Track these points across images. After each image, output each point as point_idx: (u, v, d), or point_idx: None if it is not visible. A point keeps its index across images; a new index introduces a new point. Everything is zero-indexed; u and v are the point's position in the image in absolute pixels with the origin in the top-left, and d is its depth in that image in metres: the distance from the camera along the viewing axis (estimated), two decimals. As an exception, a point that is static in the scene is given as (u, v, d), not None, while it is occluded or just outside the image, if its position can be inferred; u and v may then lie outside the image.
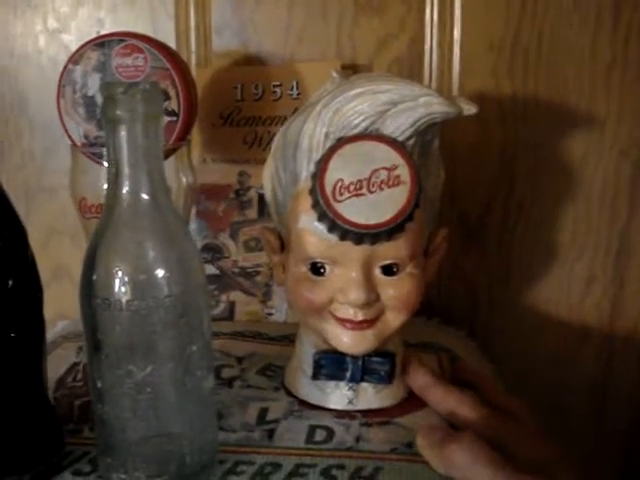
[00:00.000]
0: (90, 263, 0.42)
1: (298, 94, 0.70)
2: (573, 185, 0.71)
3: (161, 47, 0.57)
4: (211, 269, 0.72)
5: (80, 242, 0.62)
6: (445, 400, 0.51)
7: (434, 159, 0.52)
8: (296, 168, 0.50)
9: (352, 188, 0.47)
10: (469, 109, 0.48)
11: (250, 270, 0.71)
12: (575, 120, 0.70)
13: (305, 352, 0.55)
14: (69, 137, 0.58)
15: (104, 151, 0.57)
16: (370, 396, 0.53)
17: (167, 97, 0.57)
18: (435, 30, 0.70)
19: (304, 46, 0.72)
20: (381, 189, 0.47)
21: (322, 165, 0.48)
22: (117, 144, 0.40)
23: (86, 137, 0.58)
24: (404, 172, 0.47)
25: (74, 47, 0.61)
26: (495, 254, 0.74)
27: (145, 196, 0.41)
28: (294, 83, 0.70)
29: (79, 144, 0.58)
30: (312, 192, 0.48)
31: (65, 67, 0.57)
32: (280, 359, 0.61)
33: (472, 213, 0.73)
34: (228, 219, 0.72)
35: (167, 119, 0.57)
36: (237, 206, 0.71)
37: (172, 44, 0.72)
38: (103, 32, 0.71)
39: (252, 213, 0.71)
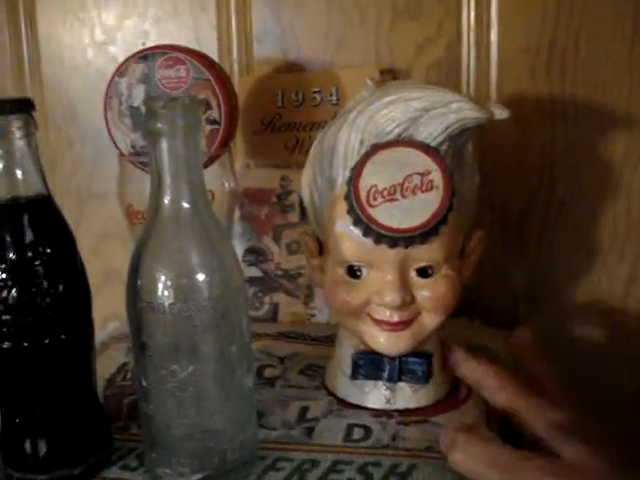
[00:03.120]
0: (135, 269, 0.44)
1: (337, 100, 0.71)
2: (613, 184, 0.71)
3: (202, 58, 0.59)
4: (255, 271, 0.74)
5: (129, 246, 0.64)
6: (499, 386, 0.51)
7: (468, 163, 0.53)
8: (332, 174, 0.52)
9: (386, 193, 0.48)
10: (500, 113, 0.49)
11: (293, 272, 0.73)
12: (614, 120, 0.69)
13: (344, 352, 0.56)
14: (116, 147, 0.61)
15: (150, 160, 0.60)
16: (407, 396, 0.54)
17: (209, 107, 0.59)
18: (472, 33, 0.71)
19: (343, 52, 0.73)
20: (414, 194, 0.48)
21: (356, 171, 0.49)
22: (159, 155, 0.42)
23: (133, 147, 0.60)
24: (437, 177, 0.48)
25: (120, 59, 0.65)
26: (536, 254, 0.74)
27: (186, 204, 0.43)
28: (333, 89, 0.71)
29: (126, 153, 0.61)
30: (347, 197, 0.49)
31: (111, 79, 0.60)
32: (321, 359, 0.62)
33: (513, 214, 0.74)
34: (271, 222, 0.73)
35: (209, 128, 0.60)
36: (279, 210, 0.73)
37: (214, 53, 0.75)
38: (148, 43, 0.75)
39: (294, 216, 0.73)
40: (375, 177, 0.49)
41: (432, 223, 0.48)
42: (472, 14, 0.70)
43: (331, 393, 0.57)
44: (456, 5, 0.71)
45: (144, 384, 0.45)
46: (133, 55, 0.59)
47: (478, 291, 0.74)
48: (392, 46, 0.72)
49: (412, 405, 0.54)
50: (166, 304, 0.43)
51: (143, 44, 0.75)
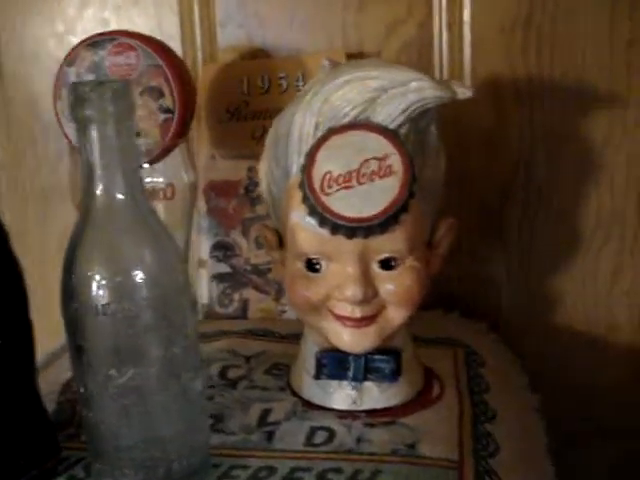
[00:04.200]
0: (68, 266, 0.41)
1: (304, 85, 0.68)
2: (595, 167, 0.67)
3: (153, 44, 0.56)
4: (223, 267, 0.71)
5: None
6: None
7: (432, 146, 0.49)
8: (287, 162, 0.49)
9: (341, 180, 0.45)
10: (464, 92, 0.46)
11: (262, 267, 0.70)
12: (595, 100, 0.66)
13: (308, 351, 0.53)
14: (67, 138, 0.58)
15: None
16: (375, 395, 0.51)
17: (161, 94, 0.56)
18: (444, 13, 0.68)
19: (309, 37, 0.70)
20: (372, 180, 0.45)
21: (310, 157, 0.46)
22: (89, 145, 0.39)
23: (84, 138, 0.57)
24: (396, 161, 0.45)
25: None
26: (516, 243, 0.71)
27: (120, 196, 0.40)
28: (300, 75, 0.68)
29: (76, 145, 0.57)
30: (301, 186, 0.46)
31: (60, 68, 0.57)
32: (288, 358, 0.59)
33: (490, 201, 0.70)
34: (239, 216, 0.70)
35: (163, 117, 0.56)
36: (248, 202, 0.70)
37: (178, 40, 0.72)
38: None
39: (263, 209, 0.70)
40: (330, 163, 0.45)
41: (391, 211, 0.45)
42: (444, -8, 0.67)
43: (296, 394, 0.54)
44: (427, -17, 0.68)
45: (82, 391, 0.42)
46: (81, 42, 0.56)
47: (457, 282, 0.72)
48: (361, 29, 0.69)
49: (380, 405, 0.51)
50: (101, 304, 0.39)
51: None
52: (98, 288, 0.39)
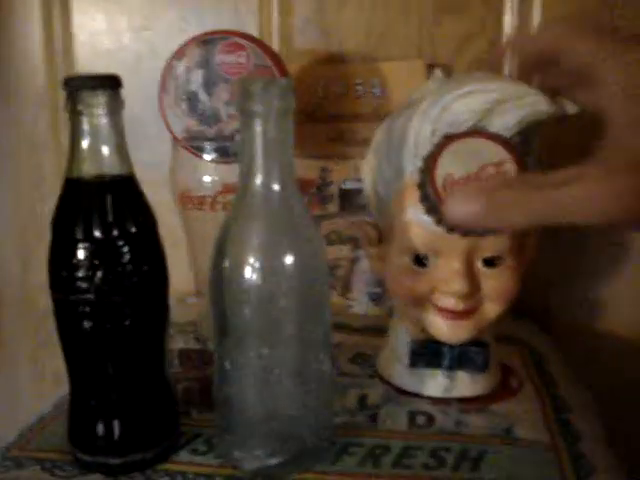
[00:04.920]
0: (220, 250, 0.44)
1: (381, 92, 0.71)
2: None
3: (263, 45, 0.59)
4: (291, 261, 0.74)
5: (176, 233, 0.62)
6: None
7: (534, 155, 0.53)
8: (401, 163, 0.52)
9: (462, 183, 0.49)
10: (572, 108, 0.50)
11: (330, 263, 0.73)
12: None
13: (400, 341, 0.57)
14: (170, 131, 0.60)
15: (205, 145, 0.60)
16: (466, 384, 0.55)
17: (268, 93, 0.59)
18: (515, 31, 0.72)
19: (385, 46, 0.73)
20: (489, 184, 0.49)
21: (432, 160, 0.49)
22: (252, 137, 0.42)
23: (187, 131, 0.60)
24: (511, 168, 0.49)
25: (158, 44, 0.64)
26: (568, 239, 0.75)
27: (276, 187, 0.43)
28: (376, 81, 0.72)
29: (180, 138, 0.60)
30: (421, 186, 0.50)
31: (169, 62, 0.59)
32: (369, 348, 0.63)
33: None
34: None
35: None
36: (319, 200, 0.73)
37: (256, 43, 0.75)
38: (187, 30, 0.74)
39: (333, 207, 0.73)
40: (451, 166, 0.49)
41: (506, 213, 0.48)
42: (515, 11, 0.71)
43: (386, 381, 0.57)
44: (498, 1, 0.71)
45: (227, 367, 0.44)
46: (193, 39, 0.59)
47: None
48: (435, 41, 0.73)
49: (470, 394, 0.55)
50: (254, 287, 0.43)
51: (182, 30, 0.75)
52: (252, 271, 0.43)
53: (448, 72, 0.72)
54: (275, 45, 0.75)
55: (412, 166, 0.51)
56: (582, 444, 0.50)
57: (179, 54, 0.59)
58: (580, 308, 0.76)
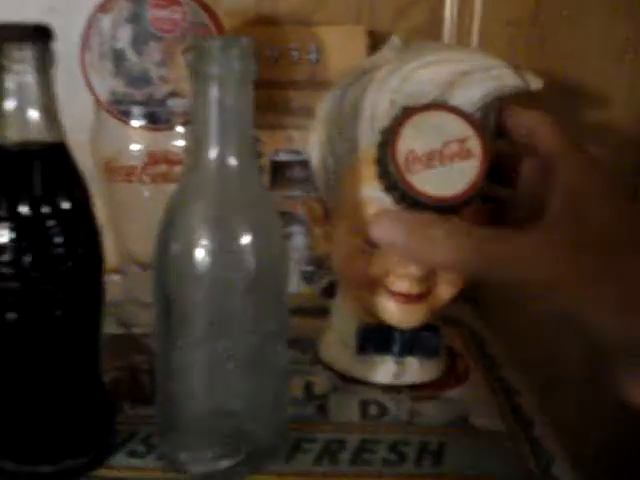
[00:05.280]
0: (167, 230, 0.39)
1: (318, 59, 0.67)
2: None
3: (200, 1, 0.53)
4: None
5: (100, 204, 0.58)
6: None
7: (490, 132, 0.51)
8: (355, 136, 0.48)
9: (425, 159, 0.46)
10: (537, 83, 0.48)
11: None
12: (590, 101, 0.70)
13: (346, 325, 0.53)
14: (93, 93, 0.54)
15: (133, 109, 0.54)
16: (415, 370, 0.53)
17: (205, 55, 0.53)
18: (456, 1, 0.69)
19: (322, 9, 0.69)
20: (452, 161, 0.46)
21: (392, 134, 0.46)
22: (207, 104, 0.37)
23: (113, 93, 0.54)
24: (475, 145, 0.46)
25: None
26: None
27: (233, 162, 0.38)
28: (313, 47, 0.67)
29: (104, 101, 0.54)
30: (379, 162, 0.46)
31: (93, 15, 0.53)
32: (307, 331, 0.59)
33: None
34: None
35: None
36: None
37: None
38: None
39: (264, 181, 0.69)
40: (412, 141, 0.46)
41: (471, 193, 0.46)
42: (457, -19, 0.69)
43: (330, 368, 0.54)
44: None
45: (172, 358, 0.40)
46: (120, -10, 0.53)
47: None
48: (373, 7, 0.69)
49: (419, 380, 0.53)
50: (205, 271, 0.38)
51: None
52: (204, 254, 0.38)
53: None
54: (201, 3, 0.69)
55: (368, 140, 0.48)
56: (536, 430, 0.49)
57: (105, 6, 0.53)
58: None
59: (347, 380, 0.53)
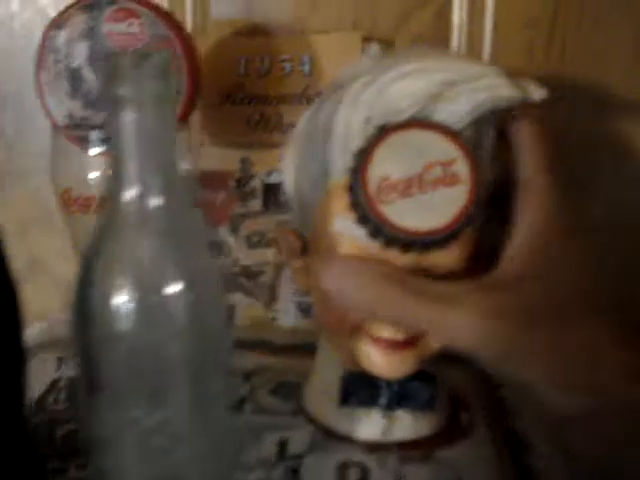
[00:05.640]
0: (84, 284, 0.33)
1: (311, 70, 0.61)
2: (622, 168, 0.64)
3: (160, 11, 0.48)
4: (208, 267, 0.63)
5: (60, 235, 0.54)
6: None
7: (486, 155, 0.44)
8: (327, 158, 0.42)
9: (401, 187, 0.39)
10: (540, 93, 0.41)
11: (253, 269, 0.63)
12: (617, 104, 0.63)
13: (330, 373, 0.47)
14: (50, 116, 0.49)
15: (91, 135, 0.49)
16: (406, 425, 0.46)
17: (168, 71, 0.48)
18: (465, 1, 0.62)
19: (316, 17, 0.63)
20: (434, 188, 0.39)
21: (364, 158, 0.39)
22: (120, 131, 0.31)
23: (70, 117, 0.49)
24: (463, 168, 0.39)
25: (52, 12, 0.53)
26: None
27: (155, 199, 0.32)
28: (306, 57, 0.61)
29: (62, 125, 0.49)
30: (351, 190, 0.40)
31: (46, 32, 0.48)
32: (295, 375, 0.53)
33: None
34: (228, 211, 0.63)
35: (167, 97, 0.49)
36: (239, 196, 0.63)
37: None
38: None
39: (256, 205, 0.63)
40: (387, 166, 0.39)
41: (456, 225, 0.39)
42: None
43: (313, 420, 0.48)
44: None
45: (96, 433, 0.34)
46: (75, 3, 0.48)
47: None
48: (374, 11, 0.63)
49: (412, 436, 0.46)
50: (128, 331, 0.32)
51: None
52: (126, 311, 0.32)
53: (388, 47, 0.62)
54: (188, 14, 0.64)
55: (341, 162, 0.41)
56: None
57: (59, 22, 0.48)
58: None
59: (330, 435, 0.46)
